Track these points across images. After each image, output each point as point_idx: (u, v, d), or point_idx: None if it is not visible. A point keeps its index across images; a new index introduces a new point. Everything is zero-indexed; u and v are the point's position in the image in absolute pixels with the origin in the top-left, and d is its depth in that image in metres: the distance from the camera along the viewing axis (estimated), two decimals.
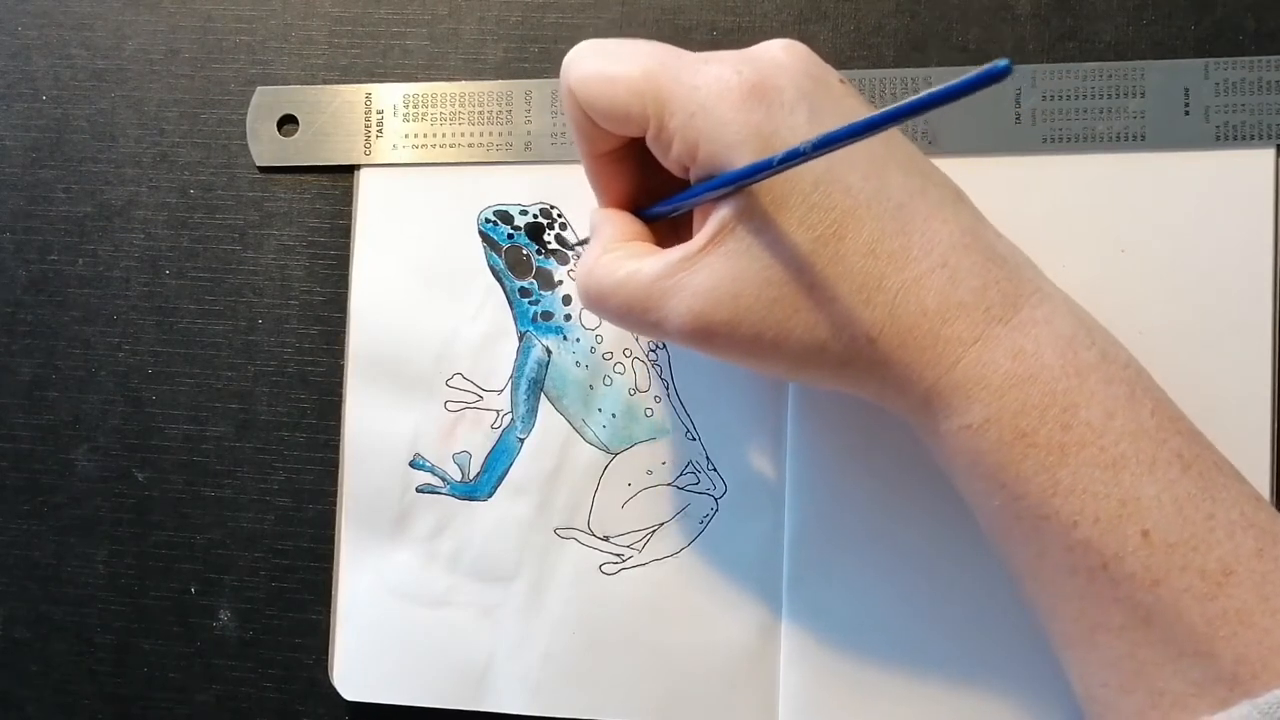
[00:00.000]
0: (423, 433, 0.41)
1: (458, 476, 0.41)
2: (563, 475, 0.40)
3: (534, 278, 0.41)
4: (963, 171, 0.38)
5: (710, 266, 0.30)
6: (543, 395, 0.40)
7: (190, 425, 0.43)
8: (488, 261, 0.41)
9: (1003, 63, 0.22)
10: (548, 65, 0.42)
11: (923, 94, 0.24)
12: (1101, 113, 0.38)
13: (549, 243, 0.41)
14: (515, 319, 0.41)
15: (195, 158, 0.43)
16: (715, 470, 0.39)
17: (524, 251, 0.41)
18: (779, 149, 0.29)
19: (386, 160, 0.42)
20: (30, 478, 0.44)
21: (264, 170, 0.43)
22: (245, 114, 0.43)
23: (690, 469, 0.40)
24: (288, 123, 0.42)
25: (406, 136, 0.41)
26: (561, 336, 0.40)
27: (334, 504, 0.42)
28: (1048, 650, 0.37)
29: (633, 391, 0.40)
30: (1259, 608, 0.28)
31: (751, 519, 0.39)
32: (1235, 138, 0.37)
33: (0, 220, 0.44)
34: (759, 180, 0.29)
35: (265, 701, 0.42)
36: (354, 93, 0.42)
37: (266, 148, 0.42)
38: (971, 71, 0.23)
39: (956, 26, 0.40)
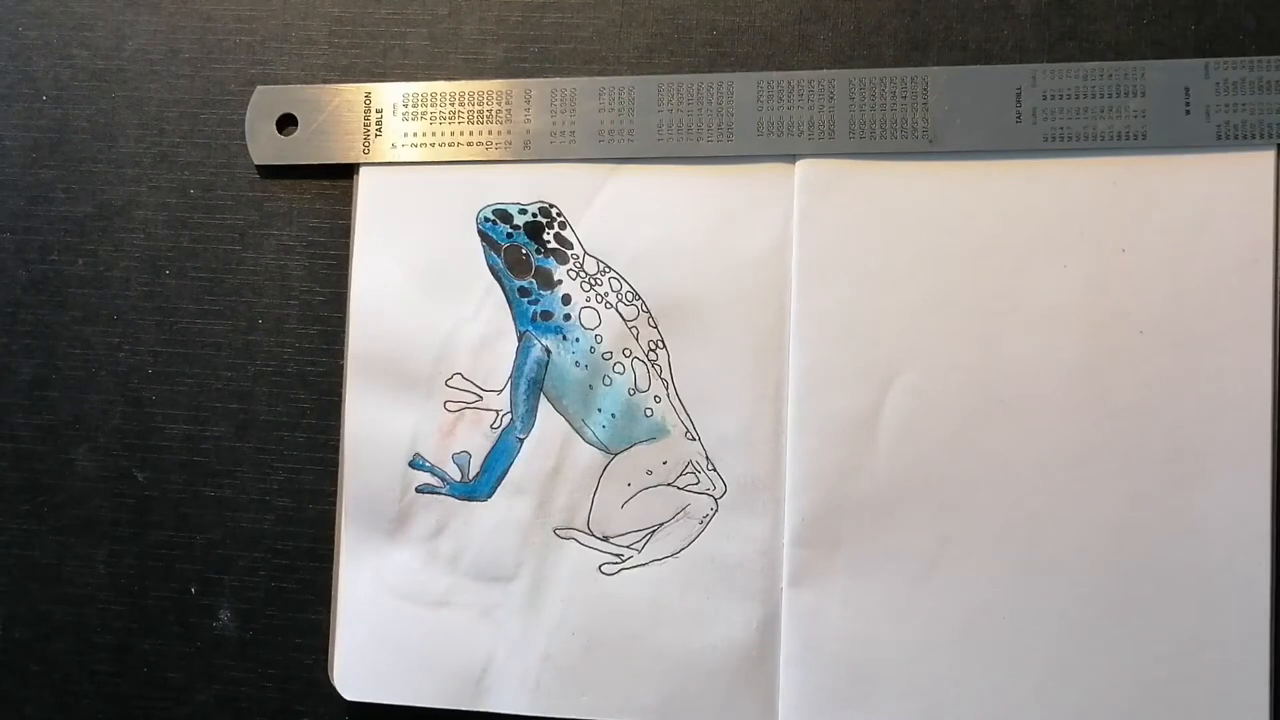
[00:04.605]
0: (422, 433, 0.41)
1: (457, 476, 0.41)
2: (562, 475, 0.40)
3: (533, 277, 0.41)
4: (963, 171, 0.38)
5: None
6: (542, 395, 0.40)
7: (190, 425, 0.43)
8: (487, 261, 0.41)
9: None
10: (548, 65, 0.41)
11: None
12: (1102, 112, 0.38)
13: (548, 242, 0.41)
14: (515, 318, 0.41)
15: (195, 158, 0.43)
16: (715, 470, 0.39)
17: (523, 251, 0.41)
18: None
19: (386, 159, 0.42)
20: (30, 478, 0.44)
21: (263, 170, 0.43)
22: (245, 114, 0.43)
23: (690, 469, 0.40)
24: (287, 123, 0.42)
25: (406, 135, 0.41)
26: (561, 336, 0.40)
27: (334, 504, 0.42)
28: (1048, 649, 0.37)
29: (632, 391, 0.40)
30: None
31: (751, 519, 0.39)
32: (1235, 137, 0.37)
33: (0, 220, 0.44)
34: None
35: (265, 701, 0.42)
36: (353, 92, 0.42)
37: (265, 147, 0.42)
38: None
39: (956, 26, 0.40)
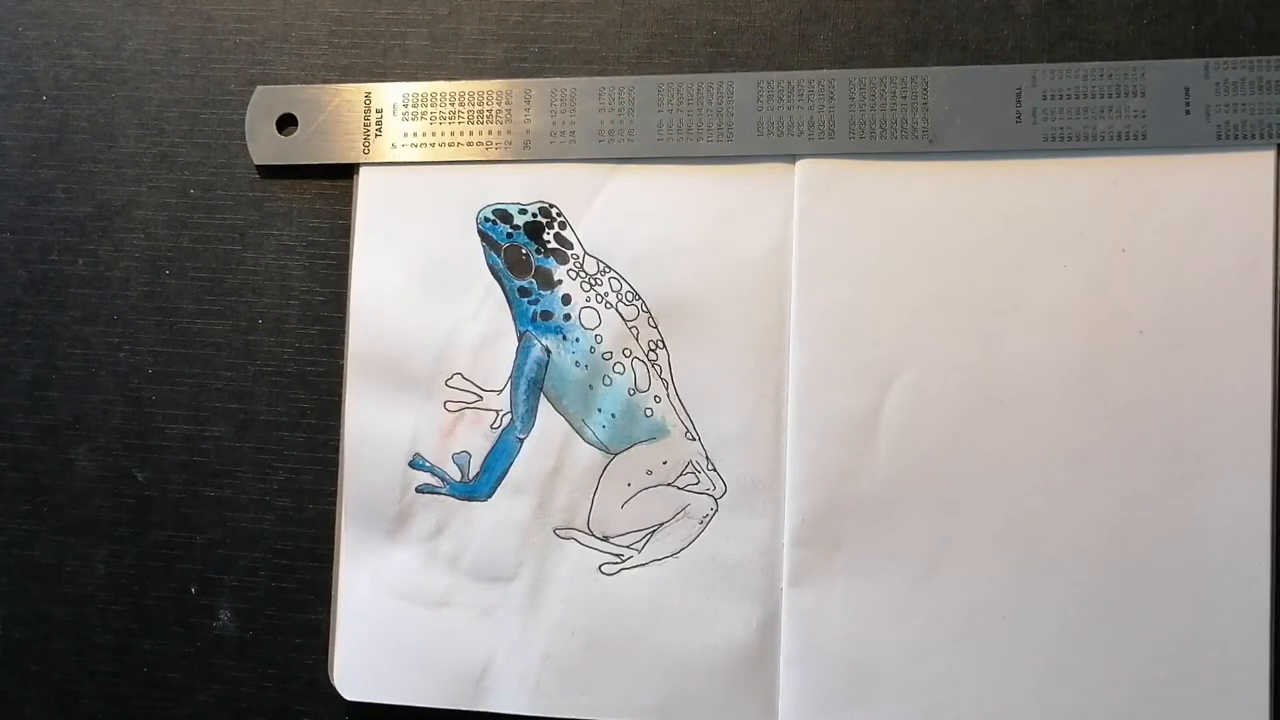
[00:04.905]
0: (422, 433, 0.41)
1: (457, 476, 0.41)
2: (562, 475, 0.40)
3: (533, 277, 0.41)
4: (963, 171, 0.38)
5: None
6: (542, 395, 0.40)
7: (190, 425, 0.43)
8: (487, 261, 0.41)
9: None
10: (548, 65, 0.41)
11: None
12: (1102, 112, 0.38)
13: (548, 242, 0.41)
14: (515, 318, 0.41)
15: (195, 158, 0.43)
16: (715, 470, 0.39)
17: (523, 251, 0.41)
18: None
19: (386, 159, 0.42)
20: (30, 478, 0.44)
21: (263, 170, 0.43)
22: (245, 114, 0.43)
23: (690, 469, 0.40)
24: (287, 123, 0.42)
25: (406, 135, 0.41)
26: (561, 336, 0.40)
27: (334, 504, 0.42)
28: (1048, 649, 0.37)
29: (632, 391, 0.40)
30: None
31: (751, 519, 0.39)
32: (1235, 137, 0.37)
33: (0, 220, 0.44)
34: None
35: (265, 701, 0.42)
36: (353, 92, 0.42)
37: (265, 147, 0.42)
38: None
39: (956, 26, 0.40)
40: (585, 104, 0.40)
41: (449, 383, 0.41)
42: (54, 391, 0.44)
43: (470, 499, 0.41)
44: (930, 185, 0.39)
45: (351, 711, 0.41)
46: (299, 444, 0.42)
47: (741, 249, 0.39)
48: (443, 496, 0.41)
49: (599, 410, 0.40)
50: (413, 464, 0.41)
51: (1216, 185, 0.37)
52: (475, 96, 0.41)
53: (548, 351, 0.40)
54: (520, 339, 0.41)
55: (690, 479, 0.39)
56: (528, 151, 0.41)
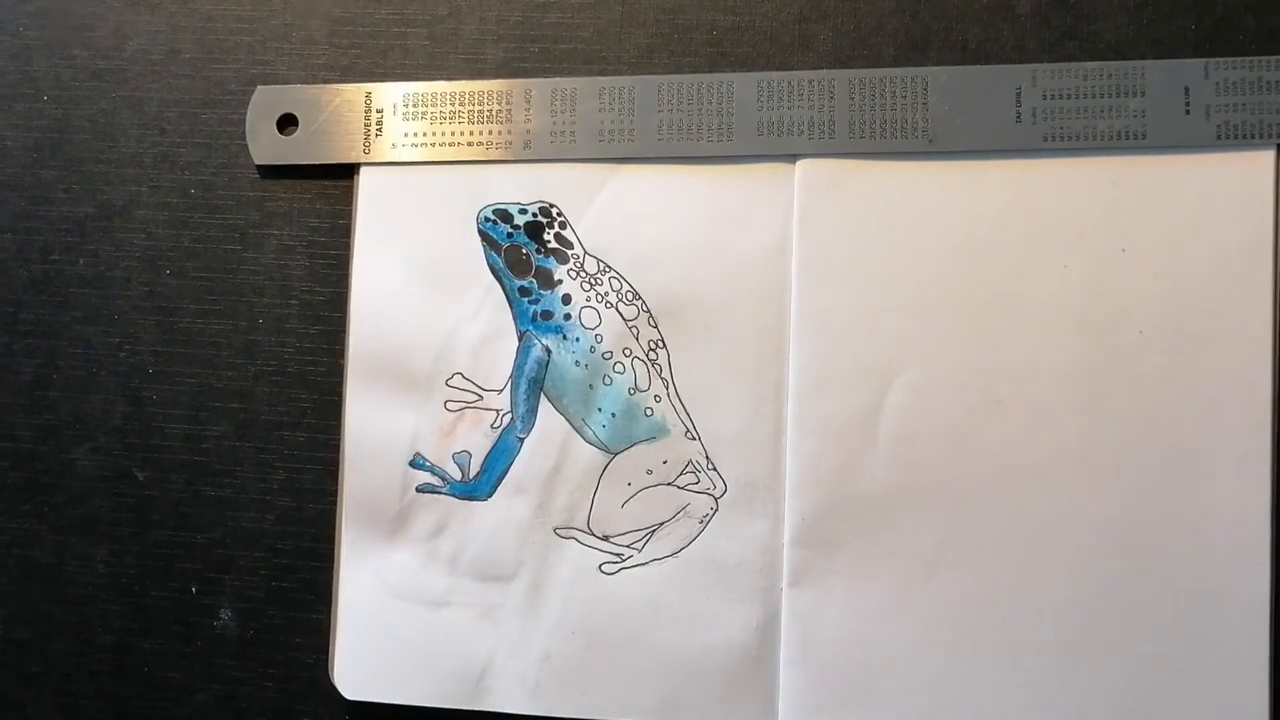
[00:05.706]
0: (422, 432, 0.41)
1: (457, 476, 0.41)
2: (562, 475, 0.40)
3: (533, 277, 0.41)
4: (963, 171, 0.38)
5: None
6: (542, 395, 0.40)
7: (190, 425, 0.43)
8: (487, 260, 0.41)
9: None
10: (548, 65, 0.42)
11: None
12: (1102, 112, 0.38)
13: (548, 241, 0.41)
14: (515, 318, 0.41)
15: (195, 158, 0.43)
16: (715, 470, 0.39)
17: (523, 250, 0.41)
18: None
19: (386, 159, 0.42)
20: (30, 478, 0.44)
21: (264, 170, 0.43)
22: (245, 114, 0.43)
23: (690, 469, 0.40)
24: (288, 123, 0.42)
25: (406, 135, 0.41)
26: (561, 336, 0.40)
27: (334, 504, 0.42)
28: (1047, 649, 0.37)
29: (632, 391, 0.40)
30: None
31: (751, 519, 0.39)
32: (1235, 137, 0.37)
33: (1, 220, 0.44)
34: None
35: (265, 701, 0.42)
36: (354, 92, 0.42)
37: (266, 147, 0.42)
38: None
39: (956, 26, 0.40)
40: (585, 104, 0.40)
41: (449, 382, 0.41)
42: (54, 391, 0.44)
43: (470, 499, 0.41)
44: (930, 185, 0.39)
45: (351, 711, 0.41)
46: (299, 444, 0.42)
47: (741, 249, 0.39)
48: (443, 496, 0.41)
49: (599, 410, 0.40)
50: (413, 464, 0.41)
51: (1216, 185, 0.37)
52: (475, 96, 0.41)
53: (548, 351, 0.40)
54: (520, 339, 0.41)
55: (690, 479, 0.39)
56: (528, 151, 0.41)
